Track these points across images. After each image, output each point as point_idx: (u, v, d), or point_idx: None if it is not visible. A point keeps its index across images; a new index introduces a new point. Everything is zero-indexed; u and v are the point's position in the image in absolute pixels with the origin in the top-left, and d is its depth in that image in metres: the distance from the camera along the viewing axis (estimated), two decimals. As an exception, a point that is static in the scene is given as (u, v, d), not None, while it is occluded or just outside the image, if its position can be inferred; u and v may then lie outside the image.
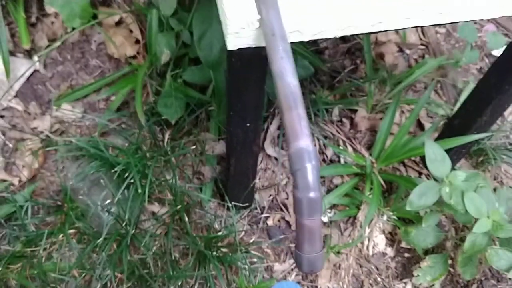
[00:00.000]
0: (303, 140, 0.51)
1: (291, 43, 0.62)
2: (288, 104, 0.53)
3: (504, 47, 1.02)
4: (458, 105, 1.45)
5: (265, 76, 0.78)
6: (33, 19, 1.50)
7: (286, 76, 0.54)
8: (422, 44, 1.61)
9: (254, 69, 0.75)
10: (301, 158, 0.51)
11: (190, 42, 1.22)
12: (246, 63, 0.73)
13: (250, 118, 0.88)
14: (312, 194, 0.50)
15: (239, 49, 0.65)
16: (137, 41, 1.41)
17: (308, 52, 1.30)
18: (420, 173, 1.35)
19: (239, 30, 0.61)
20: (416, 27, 0.70)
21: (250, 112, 0.86)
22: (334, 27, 0.64)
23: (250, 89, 0.80)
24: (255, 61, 0.72)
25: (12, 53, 1.45)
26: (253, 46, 0.64)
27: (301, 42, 0.66)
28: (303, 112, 0.53)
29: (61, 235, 1.16)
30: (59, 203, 1.23)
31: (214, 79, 1.22)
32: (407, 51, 1.57)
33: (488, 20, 1.70)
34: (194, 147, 1.24)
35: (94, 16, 1.39)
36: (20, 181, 1.29)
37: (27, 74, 1.44)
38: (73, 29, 1.49)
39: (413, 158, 1.36)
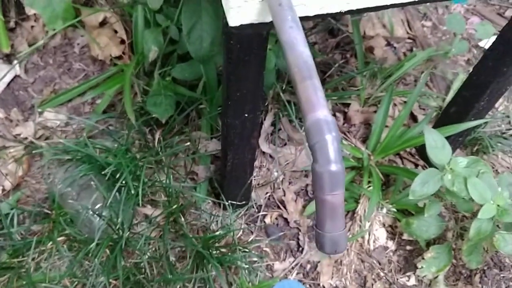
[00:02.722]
0: (321, 111, 0.48)
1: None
2: (301, 74, 0.50)
3: (493, 37, 1.01)
4: (450, 95, 1.44)
5: (265, 60, 0.75)
6: (11, 24, 1.45)
7: (298, 45, 0.51)
8: (409, 38, 1.60)
9: (254, 52, 0.71)
10: (320, 130, 0.47)
11: (178, 38, 1.18)
12: (246, 45, 0.69)
13: (248, 108, 0.85)
14: (334, 167, 0.47)
15: (240, 26, 0.62)
16: (122, 41, 1.37)
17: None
18: (416, 165, 1.33)
19: (242, 4, 0.58)
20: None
21: (248, 100, 0.83)
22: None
23: (249, 75, 0.77)
24: (255, 42, 0.69)
25: (-10, 59, 1.40)
26: (256, 22, 0.61)
27: (306, 18, 0.63)
28: (318, 82, 0.50)
29: (50, 243, 1.10)
30: (46, 210, 1.17)
31: (205, 74, 1.18)
32: (396, 45, 1.56)
33: (472, 12, 1.71)
34: (187, 144, 1.19)
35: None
36: (3, 190, 1.23)
37: (7, 79, 1.38)
38: (54, 33, 1.44)
39: (408, 150, 1.34)
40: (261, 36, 0.69)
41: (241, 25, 0.62)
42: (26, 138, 1.30)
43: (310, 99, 0.48)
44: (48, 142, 1.28)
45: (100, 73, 1.39)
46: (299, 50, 0.51)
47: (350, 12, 0.64)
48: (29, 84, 1.40)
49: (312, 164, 0.48)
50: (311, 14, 0.62)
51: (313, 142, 0.47)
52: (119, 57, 1.37)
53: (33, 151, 1.23)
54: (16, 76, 1.40)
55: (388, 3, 0.65)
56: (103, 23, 1.39)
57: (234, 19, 0.60)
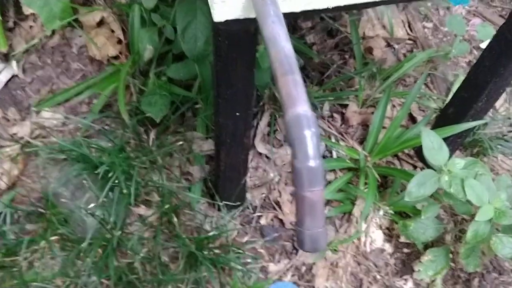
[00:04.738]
0: (301, 106, 0.47)
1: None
2: (283, 69, 0.49)
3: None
4: (451, 96, 1.42)
5: (255, 57, 0.74)
6: (10, 24, 1.45)
7: (280, 40, 0.50)
8: (410, 39, 1.59)
9: (243, 49, 0.71)
10: (299, 125, 0.46)
11: (174, 37, 1.18)
12: (235, 42, 0.69)
13: (240, 107, 0.84)
14: (312, 163, 0.46)
15: (226, 22, 0.61)
16: (119, 41, 1.37)
17: (296, 40, 1.27)
18: (414, 166, 1.32)
19: (226, -1, 0.57)
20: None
21: (240, 99, 0.82)
22: (327, -5, 0.60)
23: (239, 73, 0.76)
24: (243, 38, 0.68)
25: (-12, 58, 1.40)
26: (242, 18, 0.60)
27: (292, 14, 0.62)
28: (299, 77, 0.49)
29: (43, 242, 1.09)
30: (40, 210, 1.16)
31: (200, 73, 1.17)
32: (396, 46, 1.55)
33: (474, 14, 1.70)
34: (181, 143, 1.18)
35: (75, 19, 1.35)
36: (-1, 189, 1.23)
37: (5, 79, 1.39)
38: (53, 32, 1.44)
39: (406, 151, 1.33)
40: (249, 32, 0.68)
41: (227, 20, 0.61)
42: (22, 138, 1.30)
43: (291, 94, 0.47)
44: (44, 141, 1.27)
45: (97, 73, 1.38)
46: (280, 45, 0.50)
47: (337, 8, 0.63)
48: (27, 83, 1.40)
49: (291, 160, 0.47)
50: (298, 10, 0.61)
51: (293, 137, 0.46)
52: (116, 57, 1.36)
53: (27, 150, 1.22)
54: (14, 76, 1.40)
55: (377, 0, 0.64)
56: (100, 23, 1.39)
57: (219, 14, 0.59)
